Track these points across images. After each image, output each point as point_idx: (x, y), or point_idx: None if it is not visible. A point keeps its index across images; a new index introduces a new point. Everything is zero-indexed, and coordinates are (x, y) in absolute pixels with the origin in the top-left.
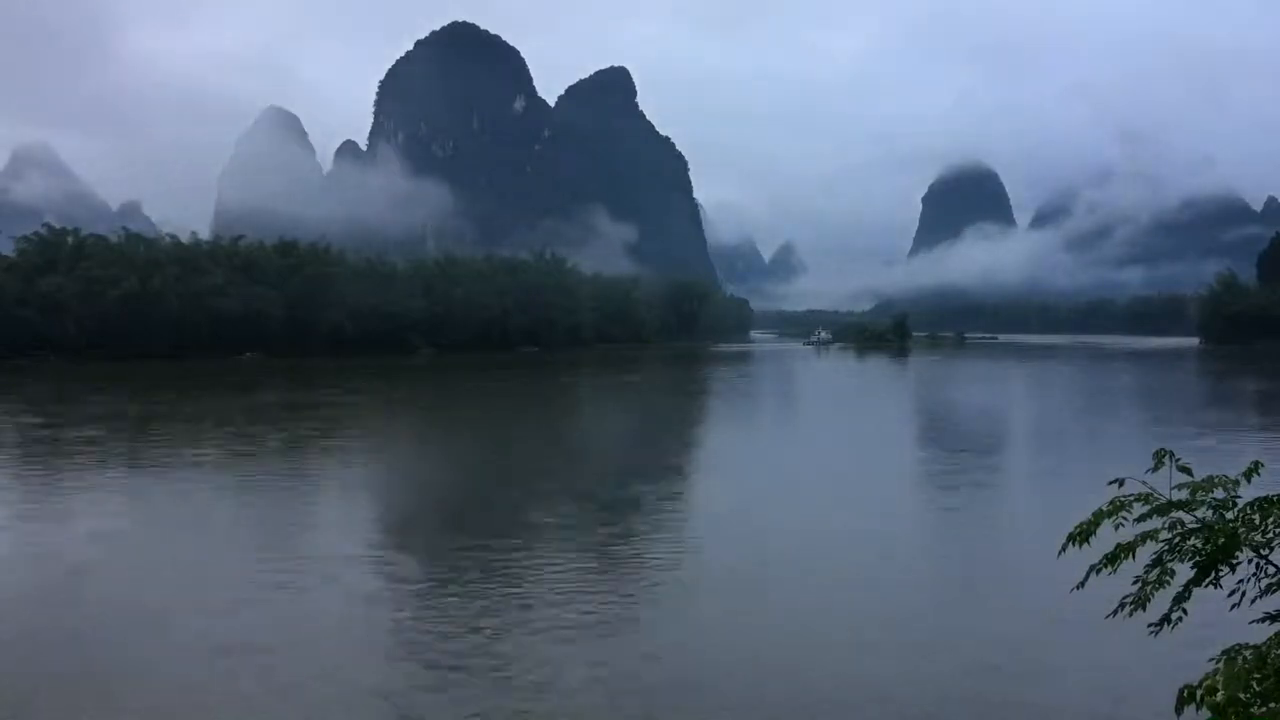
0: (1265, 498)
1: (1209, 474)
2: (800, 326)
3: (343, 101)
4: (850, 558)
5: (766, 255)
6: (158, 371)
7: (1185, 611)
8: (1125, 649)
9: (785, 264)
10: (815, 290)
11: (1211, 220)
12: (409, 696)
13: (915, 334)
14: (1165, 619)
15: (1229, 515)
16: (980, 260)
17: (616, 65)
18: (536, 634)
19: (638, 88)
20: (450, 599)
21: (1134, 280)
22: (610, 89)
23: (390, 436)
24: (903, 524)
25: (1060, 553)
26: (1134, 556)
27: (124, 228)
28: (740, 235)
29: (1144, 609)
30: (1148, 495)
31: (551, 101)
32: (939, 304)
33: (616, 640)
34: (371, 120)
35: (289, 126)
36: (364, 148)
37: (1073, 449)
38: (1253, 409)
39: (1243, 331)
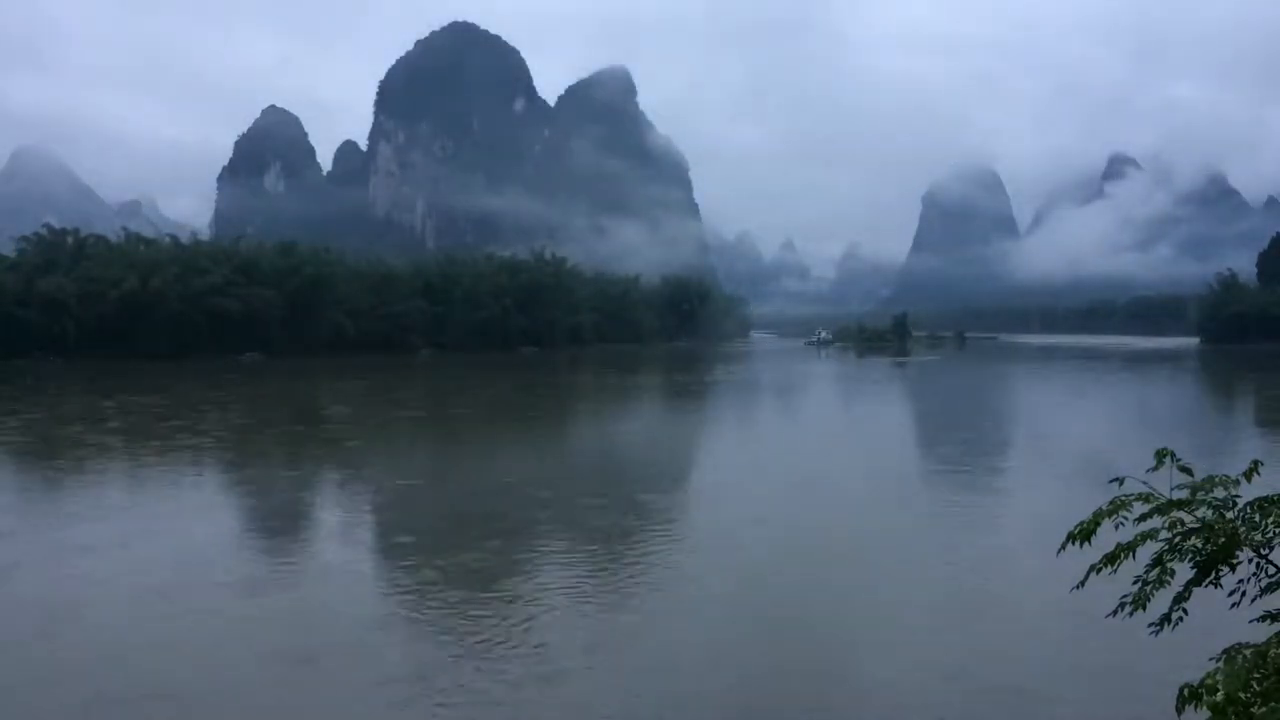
0: (1265, 498)
1: (1209, 474)
2: (800, 326)
3: (343, 101)
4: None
5: (767, 255)
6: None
7: (1185, 611)
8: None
9: (786, 263)
10: (815, 289)
11: (1211, 219)
12: None
13: (915, 333)
14: (1165, 618)
15: (1229, 515)
16: (980, 259)
17: (617, 65)
18: None
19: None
20: None
21: (1134, 280)
22: (611, 89)
23: None
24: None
25: (1060, 551)
26: (1134, 556)
27: (124, 228)
28: (740, 234)
29: (1144, 609)
30: (1148, 495)
31: (552, 101)
32: (939, 303)
33: None
34: (371, 120)
35: (289, 126)
36: (363, 148)
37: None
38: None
39: (1243, 331)
